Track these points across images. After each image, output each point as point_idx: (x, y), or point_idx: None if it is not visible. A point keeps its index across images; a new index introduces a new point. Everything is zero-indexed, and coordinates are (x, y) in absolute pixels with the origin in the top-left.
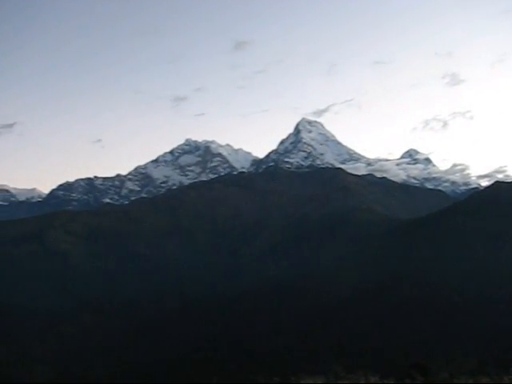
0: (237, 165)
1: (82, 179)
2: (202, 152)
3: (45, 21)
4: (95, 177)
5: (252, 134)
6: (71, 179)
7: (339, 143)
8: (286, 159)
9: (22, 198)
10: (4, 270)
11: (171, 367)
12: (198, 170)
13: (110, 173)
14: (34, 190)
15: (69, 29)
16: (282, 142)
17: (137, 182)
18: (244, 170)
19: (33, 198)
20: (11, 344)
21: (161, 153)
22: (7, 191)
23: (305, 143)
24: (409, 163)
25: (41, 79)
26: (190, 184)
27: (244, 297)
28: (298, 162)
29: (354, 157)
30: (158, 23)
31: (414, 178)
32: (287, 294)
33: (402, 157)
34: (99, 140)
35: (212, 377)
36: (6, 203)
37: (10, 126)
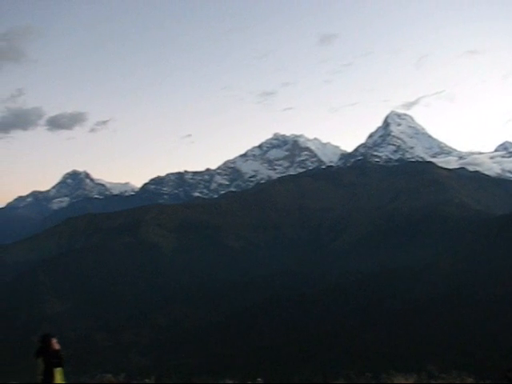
0: (325, 159)
1: (172, 173)
2: (290, 146)
3: (134, 21)
4: (185, 171)
5: (340, 128)
6: (162, 174)
7: (430, 136)
8: (375, 153)
9: (116, 192)
10: (100, 261)
11: (260, 359)
12: (286, 164)
13: (200, 167)
14: (127, 184)
15: (157, 28)
16: (370, 136)
17: (226, 176)
18: (332, 164)
19: (126, 191)
20: (108, 331)
21: (249, 147)
22: (103, 185)
23: (394, 136)
24: (503, 156)
25: (133, 77)
26: (279, 178)
27: (332, 291)
28: (386, 156)
29: (445, 150)
30: (245, 20)
31: (510, 172)
32: (376, 289)
33: (496, 150)
34: (189, 135)
35: (301, 370)
36: (101, 197)
37: (105, 122)
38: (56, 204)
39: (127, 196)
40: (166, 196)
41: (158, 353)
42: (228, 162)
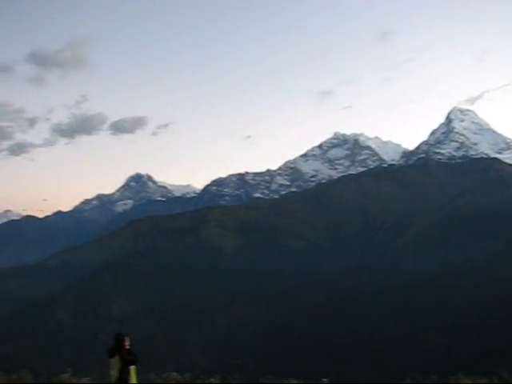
0: (386, 157)
1: (233, 175)
2: (350, 145)
3: (192, 26)
4: (246, 172)
5: (401, 126)
6: (223, 175)
7: (495, 132)
8: (438, 150)
9: (178, 194)
10: (163, 262)
11: (323, 359)
12: (346, 163)
13: (261, 168)
14: (188, 186)
15: (215, 30)
16: (432, 133)
17: (286, 177)
18: (394, 163)
19: (188, 193)
20: (171, 331)
21: (309, 147)
22: (165, 188)
23: (457, 133)
24: None
25: (192, 80)
26: (339, 178)
27: (394, 292)
28: (450, 153)
29: (511, 146)
30: (301, 18)
31: None
32: (439, 290)
33: None
34: (249, 136)
35: (366, 371)
36: (163, 199)
37: (166, 126)
38: (120, 207)
39: (189, 198)
40: (227, 197)
41: (220, 353)
42: (288, 162)
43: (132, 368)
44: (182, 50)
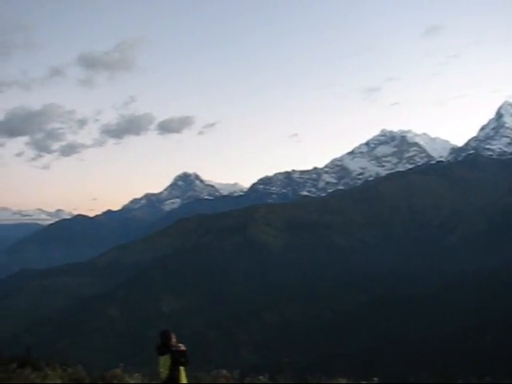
0: (434, 154)
1: (280, 173)
2: (397, 142)
3: (237, 26)
4: (293, 170)
5: (449, 121)
6: (270, 173)
7: None
8: (488, 146)
9: (225, 193)
10: (210, 260)
11: (372, 359)
12: (394, 160)
13: (307, 166)
14: (235, 184)
15: (260, 30)
16: (482, 128)
17: (333, 175)
18: (442, 159)
19: (235, 192)
20: (219, 329)
21: (356, 144)
22: (212, 186)
23: (508, 128)
24: None
25: (238, 80)
26: (387, 175)
27: (445, 291)
28: (500, 149)
29: None
30: (346, 15)
31: None
32: (493, 288)
33: None
34: (295, 134)
35: (417, 371)
36: (211, 198)
37: (212, 125)
38: (168, 205)
39: (236, 196)
40: (274, 195)
41: (268, 351)
42: (335, 160)
43: (182, 368)
44: (228, 50)
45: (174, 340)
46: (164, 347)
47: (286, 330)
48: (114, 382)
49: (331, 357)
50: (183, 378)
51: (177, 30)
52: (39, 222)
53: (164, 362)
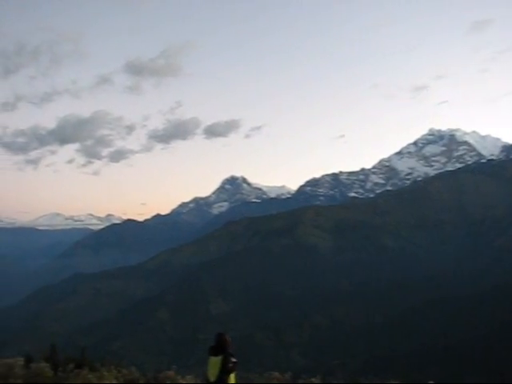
0: (485, 152)
1: (327, 175)
2: (446, 141)
3: (281, 29)
4: (340, 172)
5: (500, 119)
6: (317, 175)
7: None
8: None
9: (273, 195)
10: (259, 263)
11: (423, 361)
12: (443, 159)
13: (355, 167)
14: (283, 187)
15: (303, 31)
16: None
17: (381, 175)
18: (493, 157)
19: (282, 194)
20: (268, 331)
21: (404, 144)
22: (259, 189)
23: None
24: None
25: (283, 82)
26: (436, 175)
27: (498, 291)
28: None
29: None
30: (391, 13)
31: None
32: None
33: None
34: (342, 135)
35: (471, 373)
36: (258, 200)
37: (258, 128)
38: (216, 209)
39: (284, 199)
40: (321, 197)
41: (318, 353)
42: (383, 160)
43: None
44: (274, 53)
45: (229, 345)
46: (219, 348)
47: (335, 333)
48: (167, 382)
49: (381, 359)
50: (232, 379)
51: (222, 34)
52: (90, 226)
53: (215, 363)
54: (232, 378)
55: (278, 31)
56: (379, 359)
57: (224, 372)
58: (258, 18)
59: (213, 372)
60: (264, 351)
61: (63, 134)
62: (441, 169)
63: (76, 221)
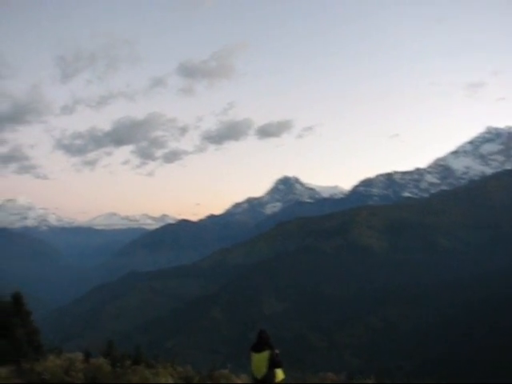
0: None
1: (381, 174)
2: (504, 139)
3: (329, 29)
4: (394, 171)
5: None
6: (371, 175)
7: None
8: None
9: (326, 195)
10: (312, 263)
11: (481, 363)
12: (500, 158)
13: (409, 166)
14: (336, 187)
15: (359, 30)
16: None
17: (436, 175)
18: None
19: (335, 194)
20: (322, 331)
21: (460, 143)
22: (312, 189)
23: None
24: None
25: (336, 81)
26: (493, 174)
27: None
28: None
29: None
30: (446, 9)
31: None
32: None
33: None
34: (396, 134)
35: None
36: (311, 201)
37: (311, 128)
38: (269, 209)
39: (337, 199)
40: (375, 197)
41: (371, 354)
42: (438, 159)
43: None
44: (326, 53)
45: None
46: (263, 344)
47: (390, 334)
48: (222, 381)
49: (437, 360)
50: (280, 375)
51: (274, 34)
52: (145, 226)
53: (261, 359)
54: (280, 373)
55: (332, 31)
56: (435, 362)
57: (273, 366)
58: (310, 18)
59: (259, 369)
60: (317, 352)
61: (118, 135)
62: (498, 168)
63: (131, 221)
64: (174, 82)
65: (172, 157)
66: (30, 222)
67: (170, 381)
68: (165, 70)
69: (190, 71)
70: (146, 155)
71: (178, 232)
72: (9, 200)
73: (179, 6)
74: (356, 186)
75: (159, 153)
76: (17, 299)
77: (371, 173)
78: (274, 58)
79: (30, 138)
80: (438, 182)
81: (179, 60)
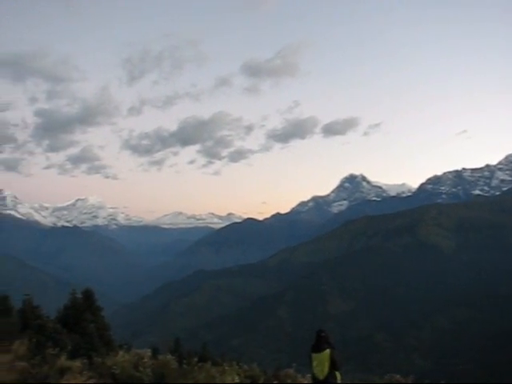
0: None
1: (449, 172)
2: None
3: (400, 23)
4: (463, 168)
5: None
6: (439, 172)
7: None
8: None
9: (393, 194)
10: (379, 262)
11: None
12: None
13: (479, 163)
14: (403, 185)
15: (422, 27)
16: None
17: (508, 172)
18: None
19: (403, 192)
20: (388, 332)
21: None
22: (379, 187)
23: None
24: None
25: (402, 78)
26: None
27: None
28: None
29: None
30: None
31: None
32: None
33: None
34: (464, 131)
35: None
36: (378, 199)
37: (377, 125)
38: (335, 207)
39: (404, 197)
40: (444, 195)
41: (440, 356)
42: (510, 155)
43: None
44: (392, 49)
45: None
46: (323, 344)
47: (459, 335)
48: (288, 381)
49: (507, 365)
50: (338, 379)
51: (339, 31)
52: (211, 225)
53: (322, 358)
54: (338, 377)
55: (397, 28)
56: (505, 365)
57: (334, 365)
58: (375, 15)
59: (320, 369)
60: (383, 353)
61: (184, 135)
62: None
63: (197, 219)
64: (238, 82)
65: (237, 156)
66: (100, 221)
67: (237, 380)
68: (229, 69)
69: (254, 70)
70: (211, 155)
71: (243, 231)
72: (80, 199)
73: (242, 6)
74: (423, 184)
75: (225, 152)
76: (88, 295)
77: (439, 170)
78: (339, 55)
79: (99, 139)
80: (509, 178)
81: (243, 59)
